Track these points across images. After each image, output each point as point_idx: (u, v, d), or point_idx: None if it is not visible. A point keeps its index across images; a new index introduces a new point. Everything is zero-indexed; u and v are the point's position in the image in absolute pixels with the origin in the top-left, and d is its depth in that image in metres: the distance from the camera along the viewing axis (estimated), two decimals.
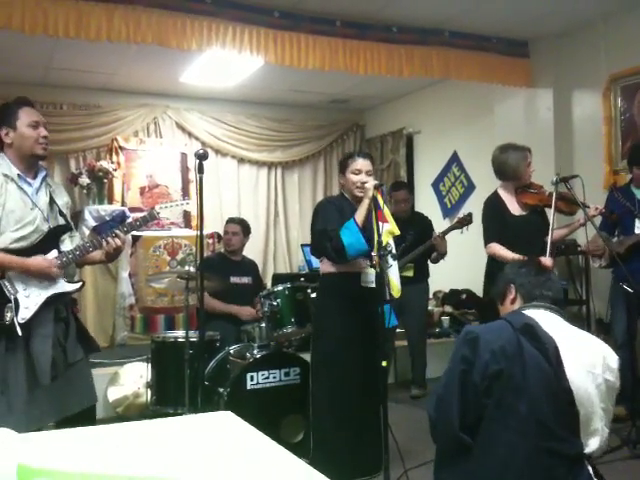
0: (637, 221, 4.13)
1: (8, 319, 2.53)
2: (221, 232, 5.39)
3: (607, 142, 5.19)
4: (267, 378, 3.66)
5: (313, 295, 3.72)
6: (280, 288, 3.85)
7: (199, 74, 6.28)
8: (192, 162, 6.68)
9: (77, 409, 2.70)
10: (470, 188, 6.60)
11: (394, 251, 3.26)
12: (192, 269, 3.89)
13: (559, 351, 1.94)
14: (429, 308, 5.81)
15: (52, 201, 2.78)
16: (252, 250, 5.74)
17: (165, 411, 3.84)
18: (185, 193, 6.98)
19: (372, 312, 3.13)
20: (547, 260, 3.41)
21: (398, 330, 4.84)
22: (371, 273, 3.26)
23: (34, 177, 2.75)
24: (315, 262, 5.03)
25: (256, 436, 1.48)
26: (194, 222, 6.66)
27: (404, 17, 4.99)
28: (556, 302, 2.17)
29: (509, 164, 3.75)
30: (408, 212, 5.15)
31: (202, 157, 3.01)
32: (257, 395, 3.62)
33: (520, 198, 3.77)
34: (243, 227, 4.81)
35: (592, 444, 1.94)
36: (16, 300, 2.58)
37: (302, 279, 5.53)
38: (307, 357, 3.56)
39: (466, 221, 4.73)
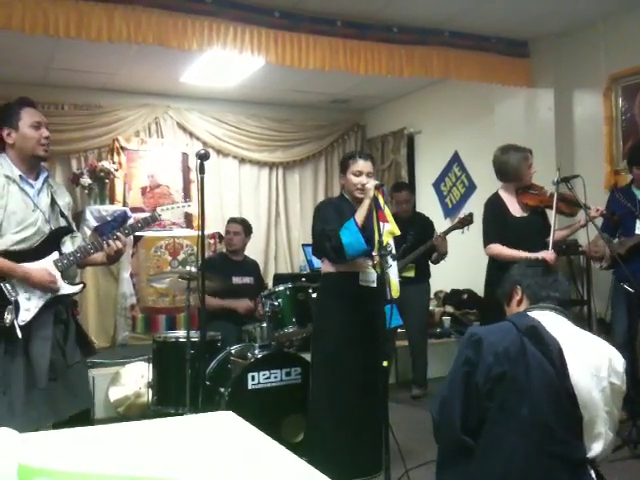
0: (638, 222, 4.12)
1: (8, 321, 2.53)
2: (222, 232, 5.39)
3: (608, 142, 5.19)
4: (268, 378, 3.67)
5: (314, 295, 3.73)
6: (281, 288, 3.86)
7: (200, 74, 6.28)
8: (193, 162, 6.65)
9: (74, 411, 2.71)
10: (471, 188, 6.60)
11: (394, 251, 3.26)
12: (193, 269, 3.89)
13: (563, 353, 1.92)
14: (430, 308, 5.81)
15: (53, 202, 2.78)
16: (253, 250, 5.74)
17: (166, 411, 3.84)
18: (186, 193, 6.98)
19: (373, 312, 3.14)
20: (550, 254, 3.41)
21: (399, 330, 4.84)
22: (371, 273, 3.26)
23: (36, 178, 2.75)
24: (316, 262, 5.04)
25: (257, 436, 1.48)
26: (195, 222, 6.67)
27: (404, 17, 4.99)
28: (563, 303, 2.13)
29: (510, 165, 3.75)
30: (409, 213, 5.16)
31: (203, 157, 3.02)
32: (258, 395, 3.62)
33: (521, 199, 3.77)
34: (244, 227, 4.81)
35: (595, 448, 1.92)
36: (16, 302, 2.57)
37: (303, 279, 5.54)
38: (308, 357, 3.56)
39: (467, 221, 4.73)
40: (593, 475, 1.92)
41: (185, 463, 1.28)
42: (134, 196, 6.77)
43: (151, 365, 4.08)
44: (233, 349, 3.94)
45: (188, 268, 4.05)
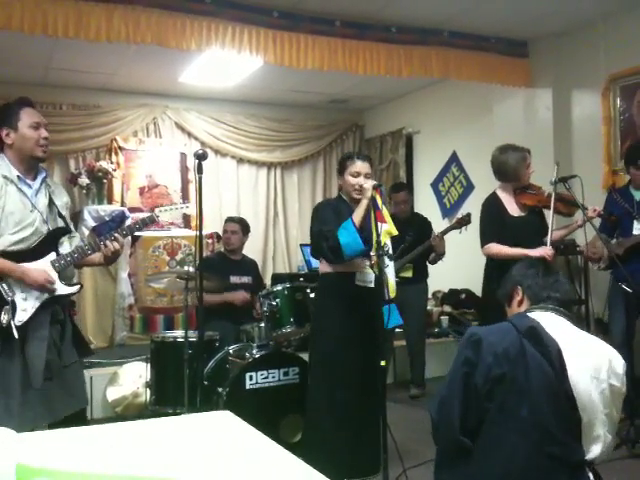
0: (635, 222, 4.13)
1: (5, 321, 2.52)
2: (220, 232, 5.39)
3: (606, 142, 5.20)
4: (266, 378, 3.67)
5: (312, 295, 3.73)
6: (279, 288, 3.86)
7: (198, 74, 6.28)
8: (191, 162, 6.68)
9: (70, 411, 2.70)
10: (469, 188, 6.60)
11: (391, 251, 3.26)
12: (191, 269, 3.89)
13: (562, 355, 1.91)
14: (428, 308, 5.81)
15: (51, 202, 2.77)
16: (251, 250, 5.74)
17: (164, 411, 3.84)
18: (184, 193, 6.98)
19: (371, 312, 3.14)
20: (548, 250, 3.41)
21: (397, 330, 4.84)
22: (369, 273, 3.26)
23: (34, 179, 2.74)
24: (314, 262, 5.03)
25: (255, 436, 1.48)
26: (193, 222, 6.66)
27: (403, 17, 5.00)
28: (564, 304, 2.11)
29: (509, 165, 3.75)
30: (407, 213, 5.16)
31: (201, 157, 3.02)
32: (256, 395, 3.62)
33: (519, 199, 3.77)
34: (242, 226, 4.81)
35: (594, 450, 1.91)
36: (13, 302, 2.56)
37: (301, 279, 5.54)
38: (306, 357, 3.56)
39: (465, 221, 4.73)
40: (591, 477, 1.91)
41: (183, 463, 1.28)
42: (132, 196, 6.77)
43: (149, 365, 4.08)
44: (231, 349, 3.94)
45: (186, 268, 4.05)
